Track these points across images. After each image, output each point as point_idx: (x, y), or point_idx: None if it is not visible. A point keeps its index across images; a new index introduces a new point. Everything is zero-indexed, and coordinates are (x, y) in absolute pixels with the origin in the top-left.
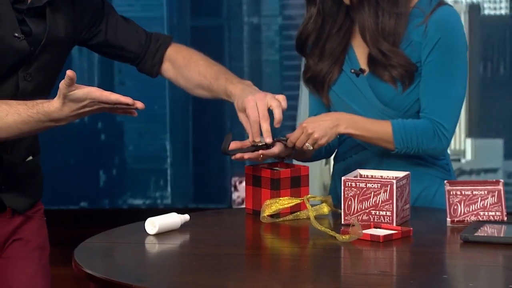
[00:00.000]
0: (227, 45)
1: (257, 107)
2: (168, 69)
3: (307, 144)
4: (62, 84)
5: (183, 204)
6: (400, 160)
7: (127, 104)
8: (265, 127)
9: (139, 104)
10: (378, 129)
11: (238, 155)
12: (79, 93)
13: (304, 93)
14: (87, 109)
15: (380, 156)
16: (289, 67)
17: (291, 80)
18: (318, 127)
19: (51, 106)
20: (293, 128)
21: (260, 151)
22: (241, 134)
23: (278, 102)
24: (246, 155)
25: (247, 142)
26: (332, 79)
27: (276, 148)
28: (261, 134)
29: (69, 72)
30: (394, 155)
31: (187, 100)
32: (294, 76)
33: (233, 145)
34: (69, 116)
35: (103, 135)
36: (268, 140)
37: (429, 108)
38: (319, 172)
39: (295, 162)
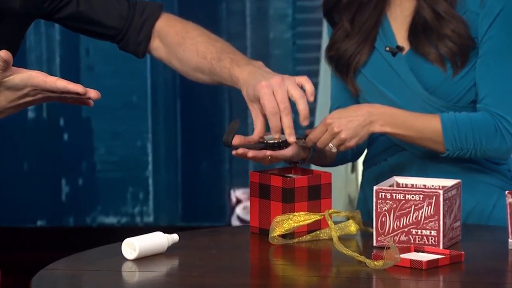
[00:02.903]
0: (225, 19)
1: (274, 96)
2: (158, 47)
3: (330, 145)
4: None
5: (169, 222)
6: (448, 164)
7: (78, 94)
8: (287, 122)
9: (93, 93)
10: (424, 125)
11: (241, 151)
12: (17, 79)
13: (324, 80)
14: (29, 98)
15: (423, 159)
16: (305, 47)
17: (307, 64)
18: (346, 125)
19: None
20: (311, 125)
21: (268, 152)
22: (246, 132)
23: (301, 92)
24: (251, 153)
25: (255, 138)
26: (360, 61)
27: (289, 150)
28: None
29: (2, 53)
30: (442, 158)
31: (175, 90)
32: (311, 59)
33: (237, 139)
34: (6, 108)
35: (66, 134)
36: (292, 139)
37: (489, 97)
38: (344, 180)
39: (313, 167)
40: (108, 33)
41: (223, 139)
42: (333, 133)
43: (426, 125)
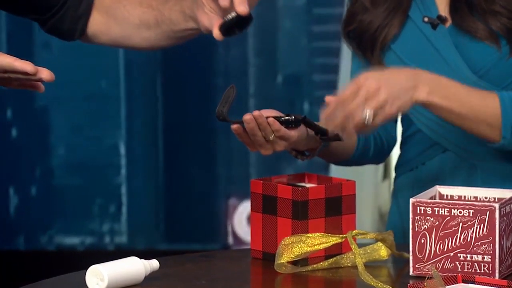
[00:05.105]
0: None
1: None
2: (95, 18)
3: (366, 111)
4: None
5: (147, 244)
6: (505, 167)
7: (26, 73)
8: None
9: (45, 74)
10: (481, 103)
11: (236, 127)
12: None
13: (348, 62)
14: None
15: (472, 161)
16: (323, 18)
17: (326, 40)
18: (387, 82)
19: None
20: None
21: (272, 136)
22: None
23: None
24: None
25: (216, 33)
26: (390, 34)
27: (294, 132)
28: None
29: None
30: (495, 162)
31: (155, 74)
32: (329, 33)
33: None
34: None
35: (14, 131)
36: (242, 8)
37: None
38: (373, 190)
39: (332, 173)
40: (39, 4)
41: (216, 110)
42: (369, 92)
43: (482, 103)
